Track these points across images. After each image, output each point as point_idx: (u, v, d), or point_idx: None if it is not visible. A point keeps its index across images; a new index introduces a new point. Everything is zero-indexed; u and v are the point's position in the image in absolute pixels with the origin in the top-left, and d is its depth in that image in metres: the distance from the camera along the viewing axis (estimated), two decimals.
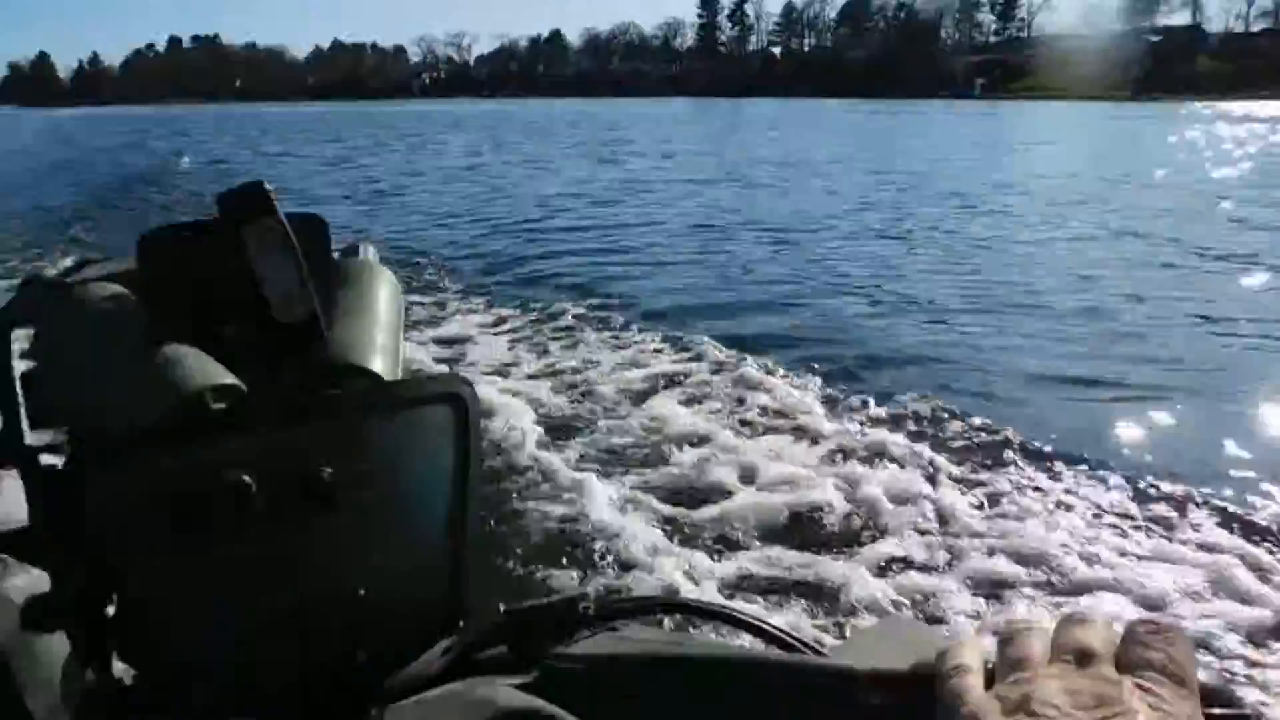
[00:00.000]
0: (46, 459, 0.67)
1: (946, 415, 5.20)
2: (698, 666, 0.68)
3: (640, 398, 5.56)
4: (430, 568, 0.69)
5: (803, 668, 0.67)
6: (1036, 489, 4.37)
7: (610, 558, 3.73)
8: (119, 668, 0.64)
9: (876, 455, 4.69)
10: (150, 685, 0.63)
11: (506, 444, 4.79)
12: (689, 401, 5.40)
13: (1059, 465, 4.60)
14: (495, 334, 7.37)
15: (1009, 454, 4.72)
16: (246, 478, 0.60)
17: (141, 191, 17.13)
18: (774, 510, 4.13)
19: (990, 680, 0.48)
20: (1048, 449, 4.77)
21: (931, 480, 4.43)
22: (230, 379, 0.65)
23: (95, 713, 0.63)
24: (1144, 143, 31.88)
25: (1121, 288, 8.80)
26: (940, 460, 4.62)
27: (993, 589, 3.51)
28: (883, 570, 3.65)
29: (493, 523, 3.87)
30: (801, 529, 4.03)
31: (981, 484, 4.43)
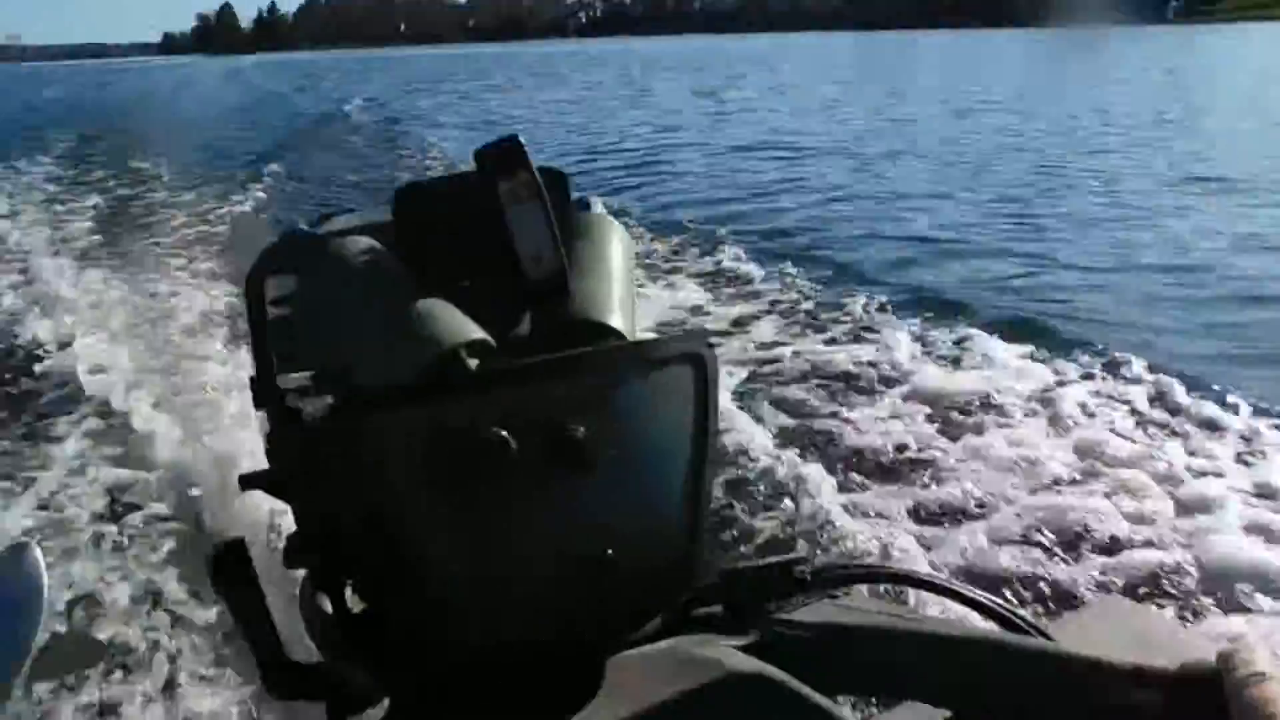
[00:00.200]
0: (294, 405, 0.72)
1: None
2: (928, 642, 0.66)
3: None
4: (669, 529, 0.69)
5: (1043, 653, 0.64)
6: None
7: (823, 527, 3.49)
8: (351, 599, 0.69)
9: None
10: (391, 621, 0.67)
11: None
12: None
13: None
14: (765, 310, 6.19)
15: None
16: (505, 433, 0.60)
17: (317, 134, 17.72)
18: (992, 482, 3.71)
19: None
20: None
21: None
22: (481, 334, 0.66)
23: (329, 638, 0.69)
24: None
25: None
26: None
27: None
28: (1110, 549, 3.24)
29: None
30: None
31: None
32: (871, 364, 5.03)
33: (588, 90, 29.17)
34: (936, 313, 5.82)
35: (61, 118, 21.67)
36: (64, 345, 5.39)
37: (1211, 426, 4.17)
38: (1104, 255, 7.45)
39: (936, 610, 0.95)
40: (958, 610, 0.77)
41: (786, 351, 5.32)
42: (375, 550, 0.65)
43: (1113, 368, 4.82)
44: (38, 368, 5.11)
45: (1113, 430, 4.15)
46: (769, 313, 6.06)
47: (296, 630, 0.74)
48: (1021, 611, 0.73)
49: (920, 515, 3.58)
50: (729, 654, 0.63)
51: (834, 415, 4.48)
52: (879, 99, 22.27)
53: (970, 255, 7.62)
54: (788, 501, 3.69)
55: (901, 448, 4.12)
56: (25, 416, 4.47)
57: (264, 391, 0.72)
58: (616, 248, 0.77)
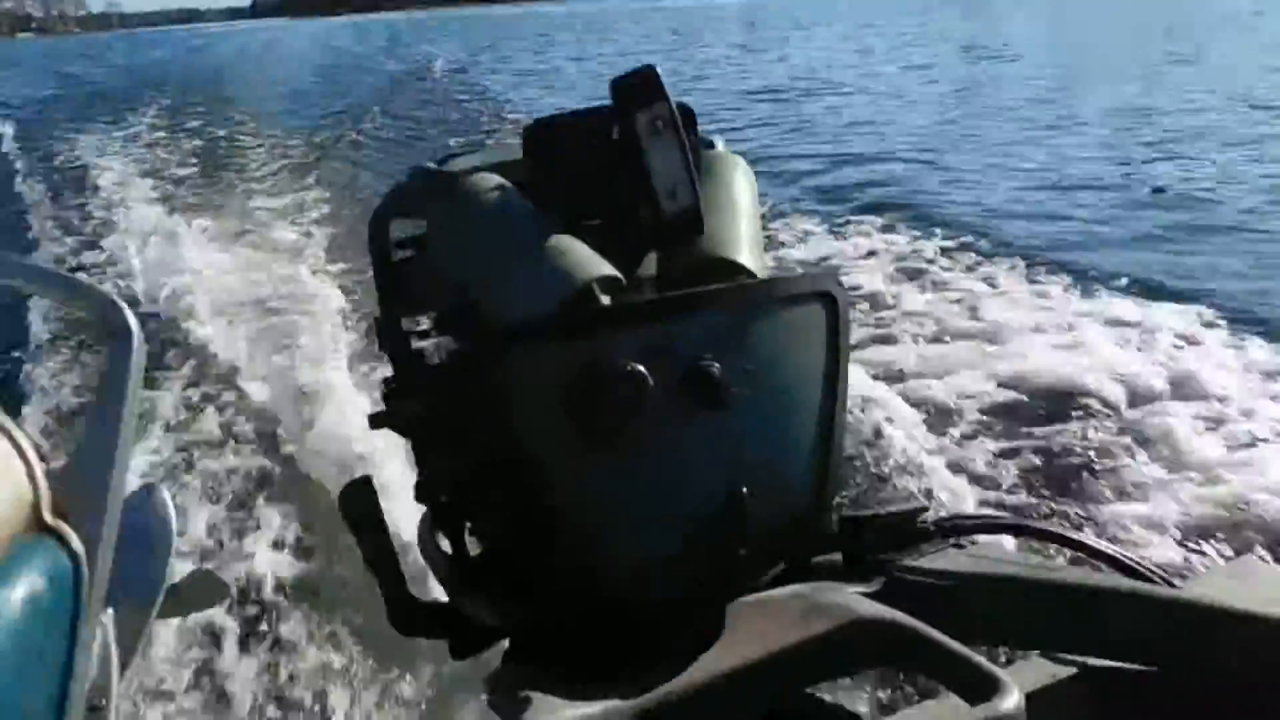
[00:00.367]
0: (418, 345, 0.73)
1: None
2: (1055, 593, 0.65)
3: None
4: (800, 471, 0.68)
5: (1179, 602, 0.63)
6: None
7: (938, 480, 3.39)
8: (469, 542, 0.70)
9: None
10: (517, 558, 0.66)
11: None
12: None
13: None
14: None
15: None
16: (641, 368, 0.60)
17: (403, 92, 17.88)
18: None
19: None
20: None
21: None
22: (612, 270, 0.66)
23: (451, 577, 0.70)
24: None
25: None
26: None
27: None
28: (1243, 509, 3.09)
29: None
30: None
31: None
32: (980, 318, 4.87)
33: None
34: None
35: (161, 80, 22.38)
36: (170, 298, 5.60)
37: None
38: None
39: (1062, 563, 0.92)
40: (1087, 563, 0.75)
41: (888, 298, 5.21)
42: (507, 486, 0.65)
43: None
44: (142, 311, 5.28)
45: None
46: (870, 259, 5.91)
47: (422, 570, 0.75)
48: (1150, 564, 0.72)
49: (1047, 470, 3.46)
50: (857, 600, 0.63)
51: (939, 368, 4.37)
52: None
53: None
54: (898, 452, 3.59)
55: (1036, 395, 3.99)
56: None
57: (389, 333, 0.73)
58: (743, 186, 0.76)
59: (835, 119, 11.69)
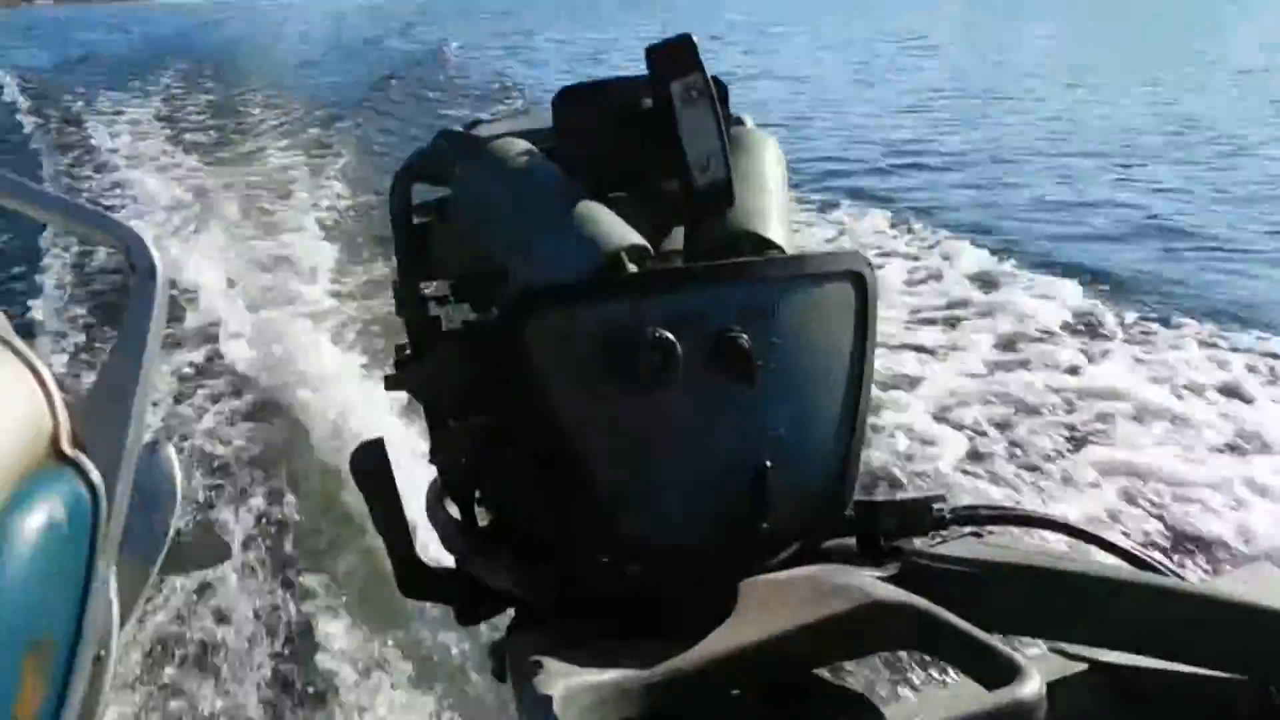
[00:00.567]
0: (435, 311, 0.73)
1: None
2: (1069, 584, 0.65)
3: None
4: (825, 448, 0.67)
5: (1192, 596, 0.64)
6: None
7: (961, 471, 3.43)
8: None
9: None
10: (534, 523, 0.66)
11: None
12: None
13: None
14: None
15: None
16: (670, 335, 0.60)
17: (418, 71, 17.77)
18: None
19: None
20: None
21: None
22: (639, 239, 0.66)
23: (459, 542, 0.70)
24: None
25: None
26: None
27: None
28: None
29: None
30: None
31: None
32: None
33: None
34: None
35: (179, 50, 22.37)
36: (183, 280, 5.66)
37: None
38: None
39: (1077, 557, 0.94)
40: (1101, 558, 0.76)
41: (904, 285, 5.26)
42: (528, 450, 0.64)
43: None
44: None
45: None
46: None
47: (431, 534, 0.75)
48: (1164, 561, 0.72)
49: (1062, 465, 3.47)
50: (874, 583, 0.63)
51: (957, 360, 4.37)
52: None
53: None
54: (917, 442, 3.61)
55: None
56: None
57: (407, 297, 0.72)
58: (773, 163, 0.76)
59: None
